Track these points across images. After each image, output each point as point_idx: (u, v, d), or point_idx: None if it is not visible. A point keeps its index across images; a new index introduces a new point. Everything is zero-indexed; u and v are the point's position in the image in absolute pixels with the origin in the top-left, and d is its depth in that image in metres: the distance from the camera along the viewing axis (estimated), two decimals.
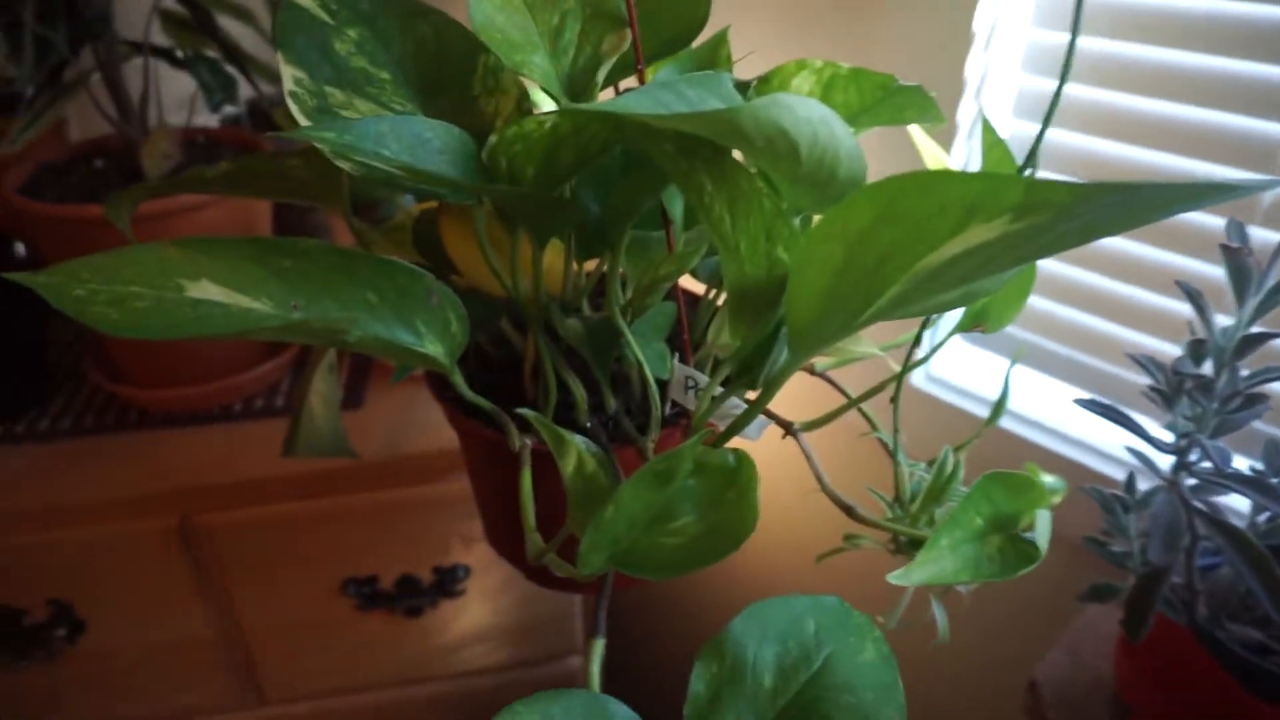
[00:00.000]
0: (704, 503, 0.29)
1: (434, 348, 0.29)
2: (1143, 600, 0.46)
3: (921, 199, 0.22)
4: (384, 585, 0.83)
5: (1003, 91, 0.67)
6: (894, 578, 0.27)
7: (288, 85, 0.34)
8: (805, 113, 0.27)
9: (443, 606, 0.86)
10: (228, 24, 0.81)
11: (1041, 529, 0.32)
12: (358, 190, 0.42)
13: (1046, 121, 0.32)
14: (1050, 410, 0.71)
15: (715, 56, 0.41)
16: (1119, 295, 0.65)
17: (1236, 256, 0.40)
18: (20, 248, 0.78)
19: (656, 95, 0.27)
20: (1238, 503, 0.60)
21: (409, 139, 0.29)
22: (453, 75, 0.37)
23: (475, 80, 0.37)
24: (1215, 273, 0.59)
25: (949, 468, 0.43)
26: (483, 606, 0.89)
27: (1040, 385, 0.72)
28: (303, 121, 0.34)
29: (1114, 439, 0.68)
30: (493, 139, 0.32)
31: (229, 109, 1.05)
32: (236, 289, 0.26)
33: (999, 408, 0.51)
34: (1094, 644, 0.64)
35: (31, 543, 0.75)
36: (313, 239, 0.28)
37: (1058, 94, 0.30)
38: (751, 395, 0.37)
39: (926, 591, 0.45)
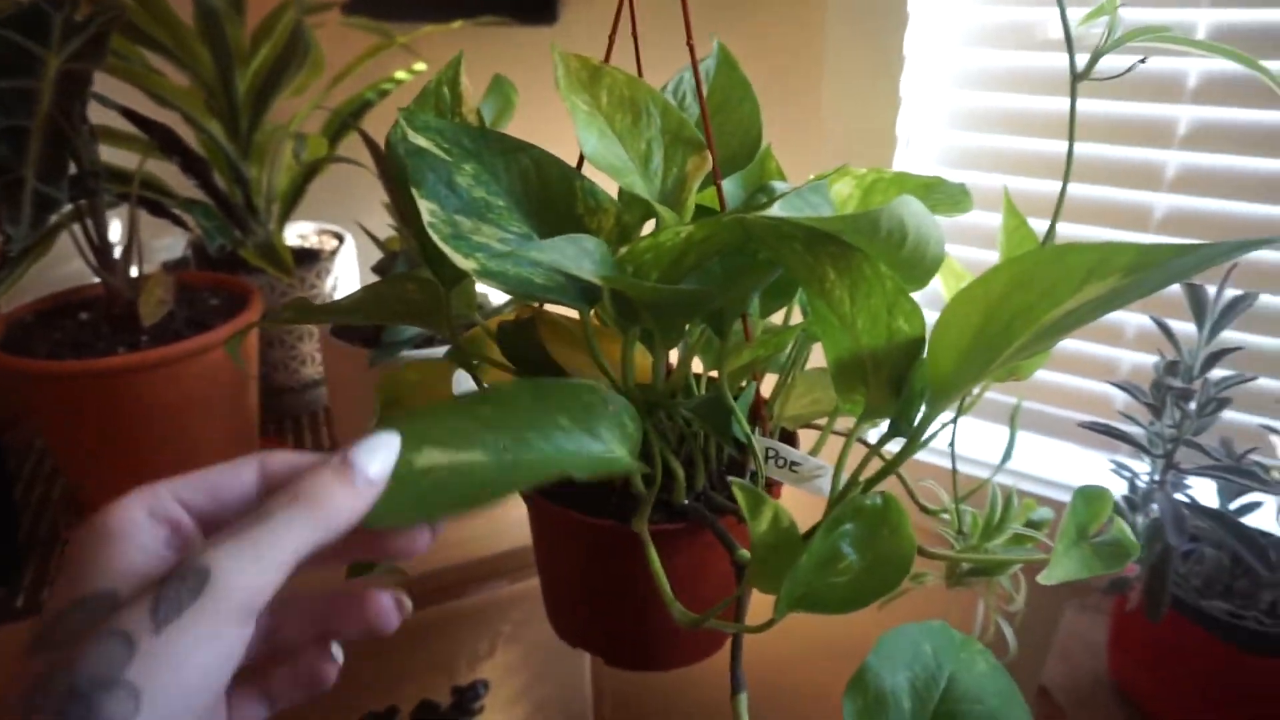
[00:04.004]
0: (861, 543, 0.33)
1: (620, 450, 0.33)
2: (1159, 581, 0.53)
3: (1050, 268, 0.29)
4: (402, 717, 0.81)
5: (937, 107, 0.77)
6: (1043, 578, 0.32)
7: (426, 218, 0.38)
8: (915, 209, 0.33)
9: None
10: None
11: (1117, 531, 0.38)
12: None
13: (1062, 197, 0.40)
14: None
15: (765, 169, 0.47)
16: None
17: (1195, 291, 0.49)
18: None
19: (797, 205, 0.33)
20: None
21: (576, 253, 0.33)
22: (556, 199, 0.41)
23: (578, 202, 0.41)
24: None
25: (1000, 504, 0.49)
26: None
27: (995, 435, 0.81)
28: (443, 247, 0.37)
29: (1064, 471, 0.77)
30: (624, 250, 0.37)
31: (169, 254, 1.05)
32: (455, 448, 0.29)
33: (1009, 450, 0.57)
34: (1081, 648, 0.72)
35: None
36: (504, 383, 0.31)
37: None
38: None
39: (990, 614, 0.50)
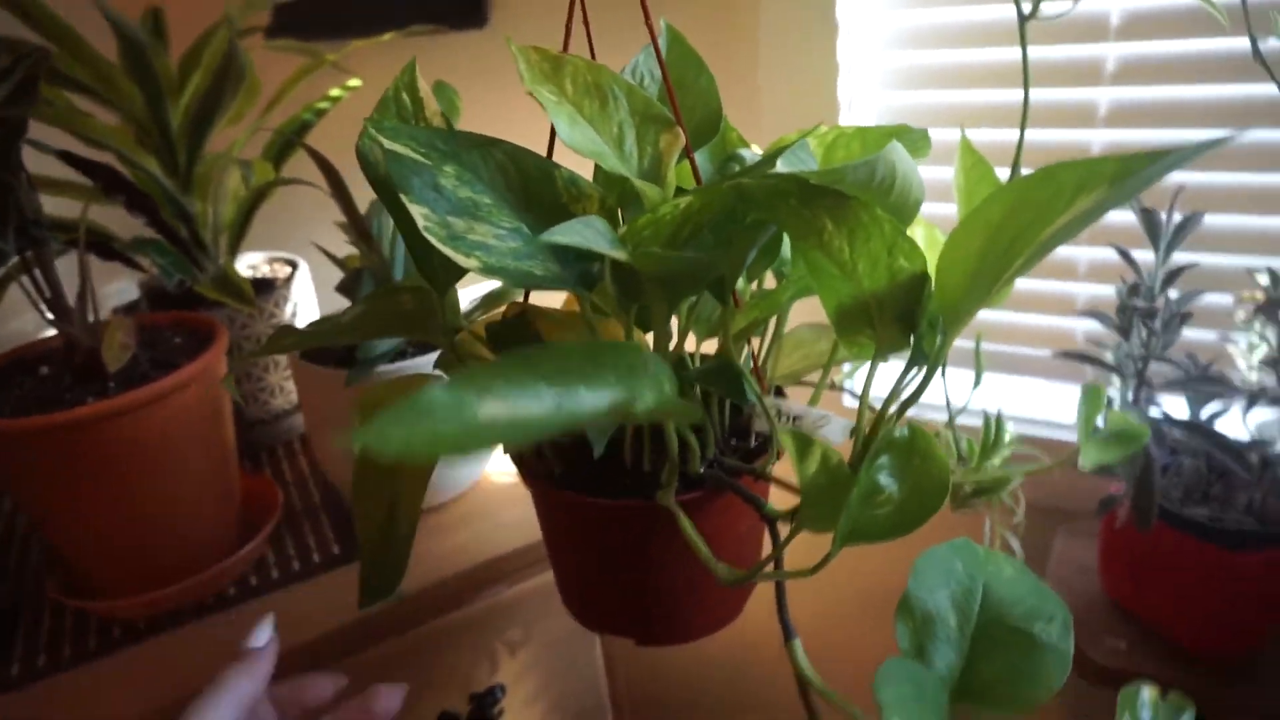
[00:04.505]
0: (897, 473, 0.34)
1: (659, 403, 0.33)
2: (1145, 492, 0.55)
3: (1043, 187, 0.30)
4: None
5: (873, 69, 0.79)
6: (1082, 465, 0.35)
7: (421, 223, 0.38)
8: (901, 154, 0.34)
9: None
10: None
11: (1120, 421, 0.41)
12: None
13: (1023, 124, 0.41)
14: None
15: (727, 139, 0.48)
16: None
17: (1149, 215, 0.52)
18: None
19: (793, 164, 0.34)
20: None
21: (593, 234, 0.33)
22: (538, 190, 0.42)
23: (560, 190, 0.42)
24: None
25: (994, 425, 0.51)
26: None
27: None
28: (443, 250, 0.38)
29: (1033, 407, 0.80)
30: (623, 229, 0.38)
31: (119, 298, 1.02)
32: (514, 400, 0.29)
33: (978, 375, 0.59)
34: (1074, 572, 0.75)
35: None
36: (565, 341, 0.32)
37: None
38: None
39: (997, 529, 0.53)
